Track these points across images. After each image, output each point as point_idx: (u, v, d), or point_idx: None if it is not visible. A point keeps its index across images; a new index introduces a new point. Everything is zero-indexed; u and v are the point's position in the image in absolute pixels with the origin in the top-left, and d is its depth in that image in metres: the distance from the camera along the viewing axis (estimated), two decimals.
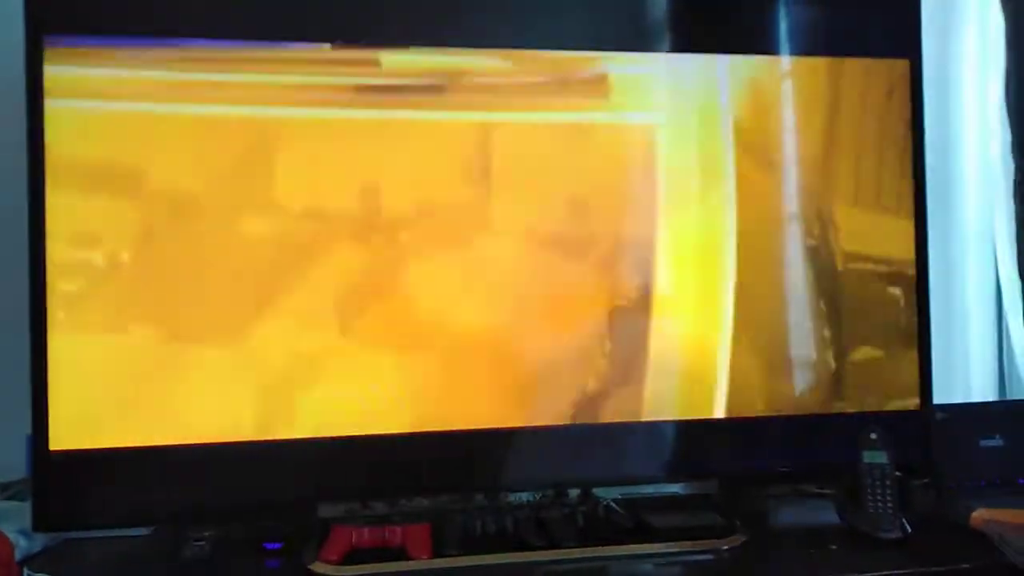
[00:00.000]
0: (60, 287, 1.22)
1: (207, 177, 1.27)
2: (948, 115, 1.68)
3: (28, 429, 1.22)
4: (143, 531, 1.33)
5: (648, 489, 1.47)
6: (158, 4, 1.29)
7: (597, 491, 1.40)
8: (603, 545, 1.26)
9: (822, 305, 1.44)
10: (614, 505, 1.38)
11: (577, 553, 1.24)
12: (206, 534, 1.24)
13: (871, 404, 1.44)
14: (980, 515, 1.29)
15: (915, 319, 1.46)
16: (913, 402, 1.45)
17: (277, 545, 1.25)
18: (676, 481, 1.49)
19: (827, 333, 1.44)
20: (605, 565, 1.23)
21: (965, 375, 1.66)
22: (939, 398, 1.48)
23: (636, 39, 1.41)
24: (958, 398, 1.62)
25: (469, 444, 1.33)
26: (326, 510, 1.34)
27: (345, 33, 1.32)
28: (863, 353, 1.45)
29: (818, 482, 1.40)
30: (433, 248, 1.33)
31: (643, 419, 1.37)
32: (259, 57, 1.29)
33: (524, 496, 1.39)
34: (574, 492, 1.39)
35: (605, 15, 1.41)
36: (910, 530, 1.28)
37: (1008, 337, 1.65)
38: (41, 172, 1.23)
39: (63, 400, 1.21)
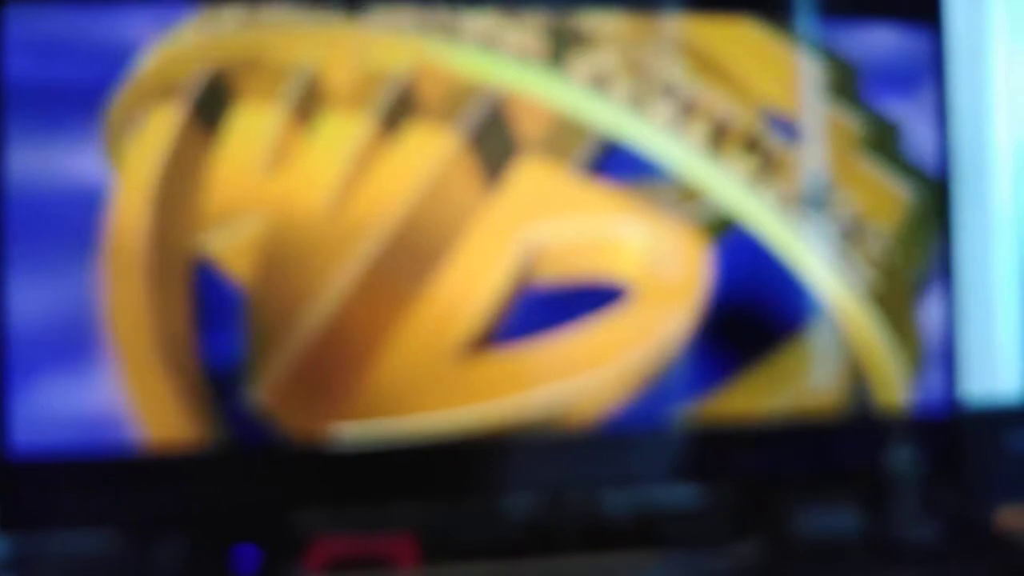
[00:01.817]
0: None
1: None
2: (977, 89, 1.57)
3: None
4: (111, 535, 1.22)
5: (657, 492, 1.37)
6: None
7: (602, 494, 1.31)
8: (607, 552, 1.21)
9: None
10: (620, 510, 1.29)
11: (579, 561, 1.20)
12: (178, 538, 1.17)
13: (895, 406, 1.36)
14: (1010, 518, 1.26)
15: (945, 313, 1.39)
16: (942, 399, 1.38)
17: (252, 550, 1.17)
18: (686, 483, 1.40)
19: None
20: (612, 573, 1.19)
21: (994, 376, 1.57)
22: (969, 392, 1.41)
23: None
24: (990, 393, 1.51)
25: (460, 445, 1.24)
26: (307, 518, 1.24)
27: None
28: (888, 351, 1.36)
29: (840, 487, 1.31)
30: None
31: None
32: None
33: (520, 501, 1.29)
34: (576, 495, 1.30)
35: None
36: (937, 536, 1.24)
37: None
38: None
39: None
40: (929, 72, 1.40)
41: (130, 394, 1.17)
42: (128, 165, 1.17)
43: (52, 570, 1.16)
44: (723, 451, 1.33)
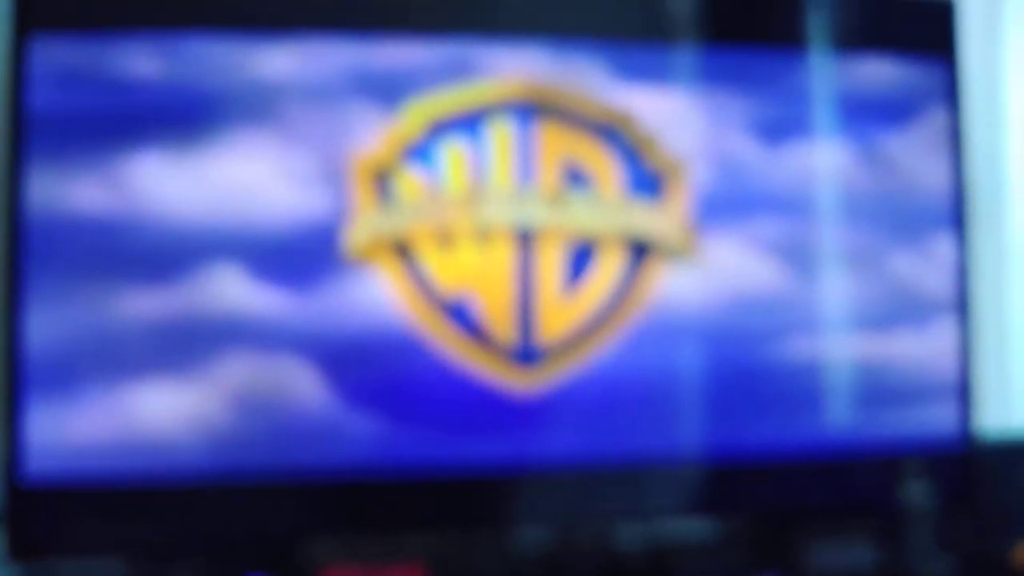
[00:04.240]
0: None
1: None
2: (994, 119, 1.53)
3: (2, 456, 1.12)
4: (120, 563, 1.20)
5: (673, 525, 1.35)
6: None
7: (616, 527, 1.27)
8: None
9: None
10: (634, 543, 1.26)
11: None
12: (190, 567, 1.15)
13: (912, 434, 1.33)
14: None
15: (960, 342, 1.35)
16: (957, 431, 1.35)
17: None
18: (702, 516, 1.37)
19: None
20: None
21: (1010, 406, 1.54)
22: (987, 423, 1.40)
23: None
24: (1008, 423, 1.50)
25: (471, 476, 1.19)
26: (316, 547, 1.20)
27: None
28: (903, 378, 1.33)
29: (856, 519, 1.32)
30: None
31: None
32: None
33: (534, 534, 1.25)
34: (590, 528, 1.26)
35: None
36: (953, 569, 1.25)
37: None
38: None
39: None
40: (944, 102, 1.36)
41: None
42: None
43: None
44: (737, 485, 1.30)
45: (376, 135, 1.15)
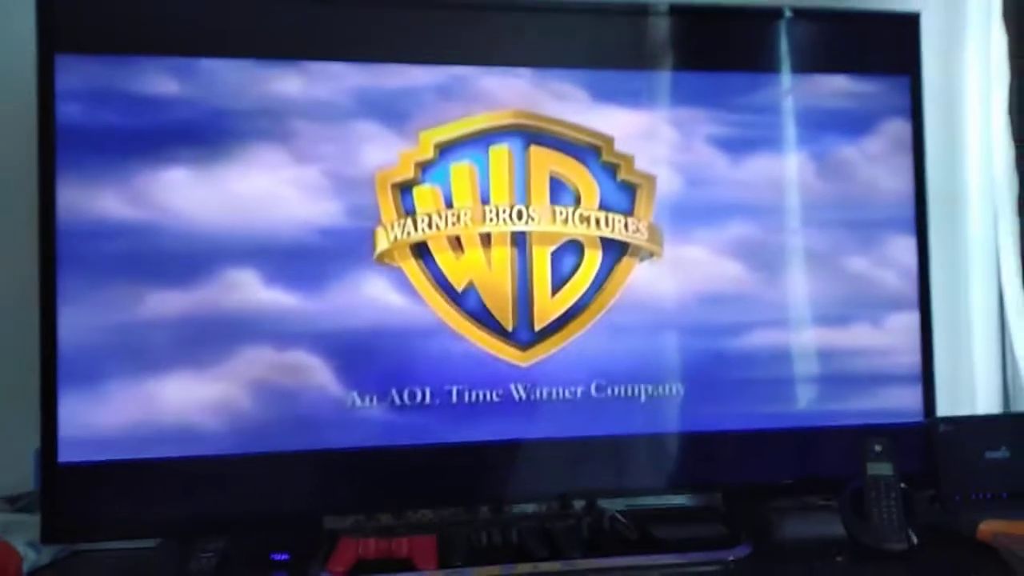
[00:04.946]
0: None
1: None
2: (952, 130, 1.69)
3: (37, 442, 1.23)
4: (150, 543, 1.33)
5: (653, 501, 1.47)
6: None
7: (602, 502, 1.40)
8: (608, 556, 1.27)
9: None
10: (619, 516, 1.38)
11: (582, 564, 1.25)
12: (213, 546, 1.24)
13: (875, 416, 1.45)
14: (988, 527, 1.30)
15: (919, 332, 1.48)
16: (917, 414, 1.47)
17: (284, 557, 1.25)
18: (681, 493, 1.49)
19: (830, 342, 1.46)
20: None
21: (970, 388, 1.66)
22: (943, 411, 1.49)
23: None
24: (963, 411, 1.61)
25: (475, 455, 1.34)
26: (333, 522, 1.34)
27: None
28: (867, 364, 1.46)
29: (822, 494, 1.39)
30: None
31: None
32: None
33: (529, 508, 1.39)
34: (579, 504, 1.39)
35: None
36: (916, 542, 1.28)
37: (1012, 350, 1.65)
38: None
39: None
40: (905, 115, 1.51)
41: None
42: None
43: None
44: (714, 460, 1.42)
45: (396, 156, 1.36)
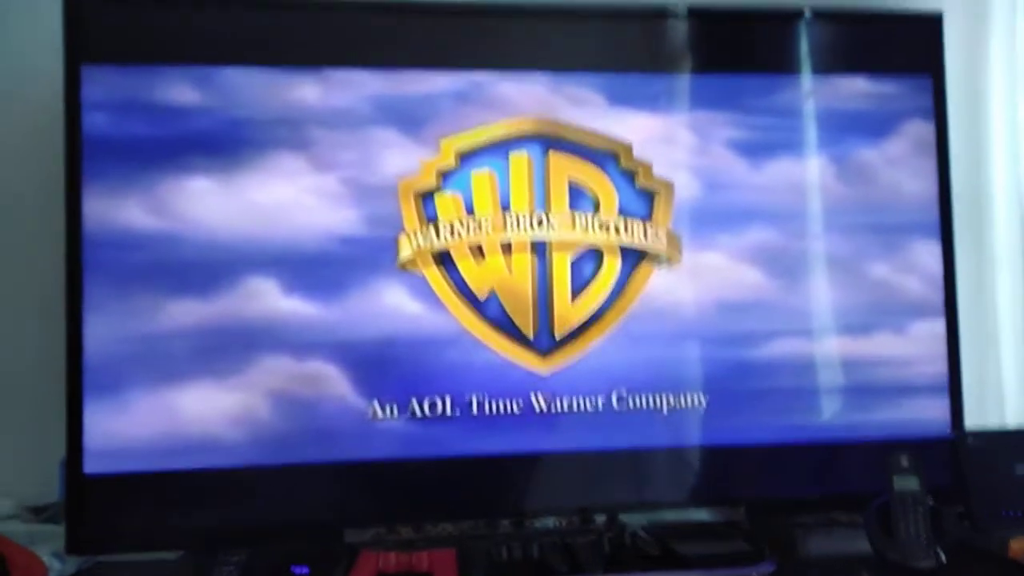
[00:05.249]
0: None
1: None
2: (977, 131, 1.65)
3: (63, 453, 1.24)
4: (174, 554, 1.33)
5: (675, 516, 1.45)
6: None
7: (624, 518, 1.39)
8: (630, 572, 1.26)
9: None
10: (641, 532, 1.37)
11: None
12: (235, 558, 1.25)
13: (900, 427, 1.43)
14: (1019, 545, 1.28)
15: (944, 340, 1.46)
16: (944, 426, 1.44)
17: (305, 569, 1.25)
18: (703, 507, 1.48)
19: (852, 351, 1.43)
20: None
21: (998, 398, 1.63)
22: (970, 422, 1.47)
23: None
24: (991, 422, 1.58)
25: (495, 468, 1.34)
26: (354, 535, 1.34)
27: None
28: (891, 374, 1.44)
29: (848, 509, 1.37)
30: None
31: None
32: None
33: (550, 522, 1.38)
34: (600, 518, 1.39)
35: None
36: (944, 560, 1.25)
37: None
38: None
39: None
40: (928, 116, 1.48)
41: None
42: None
43: None
44: (737, 474, 1.40)
45: (418, 163, 1.35)
